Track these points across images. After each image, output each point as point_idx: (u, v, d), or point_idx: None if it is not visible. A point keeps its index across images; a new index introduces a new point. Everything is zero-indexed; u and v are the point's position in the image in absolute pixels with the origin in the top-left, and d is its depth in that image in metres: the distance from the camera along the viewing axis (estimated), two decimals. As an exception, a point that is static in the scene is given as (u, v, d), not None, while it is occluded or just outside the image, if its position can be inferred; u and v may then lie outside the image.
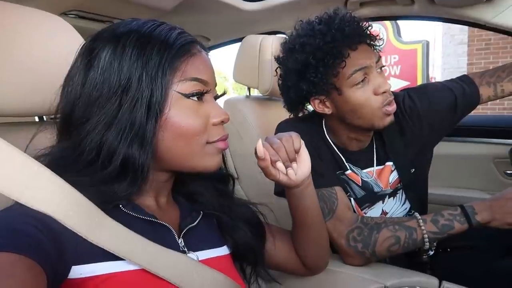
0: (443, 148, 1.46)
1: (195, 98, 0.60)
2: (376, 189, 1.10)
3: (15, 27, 0.69)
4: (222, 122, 0.64)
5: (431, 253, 1.18)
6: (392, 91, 1.01)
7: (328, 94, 0.99)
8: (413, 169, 1.11)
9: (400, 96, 1.12)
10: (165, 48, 0.58)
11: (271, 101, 1.47)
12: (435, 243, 1.07)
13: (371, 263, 0.98)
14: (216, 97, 0.68)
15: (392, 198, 1.12)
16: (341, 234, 0.96)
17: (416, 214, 0.95)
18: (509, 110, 6.31)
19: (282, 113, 1.44)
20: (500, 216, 0.88)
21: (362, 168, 1.10)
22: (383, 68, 1.00)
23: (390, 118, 0.99)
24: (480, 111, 6.70)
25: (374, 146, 1.11)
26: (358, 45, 0.94)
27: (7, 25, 0.68)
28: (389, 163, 1.11)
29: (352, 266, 0.98)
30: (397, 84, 6.60)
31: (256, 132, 1.33)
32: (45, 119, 0.81)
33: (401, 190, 1.13)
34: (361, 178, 1.10)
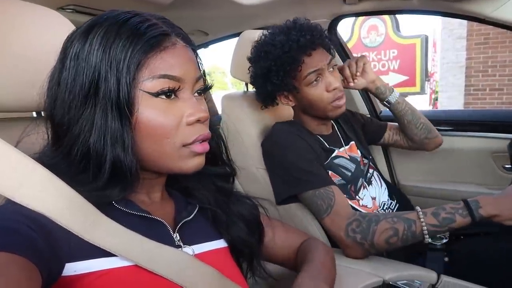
0: (442, 142, 1.47)
1: (163, 96, 0.56)
2: (358, 159, 1.28)
3: (12, 22, 0.69)
4: (198, 121, 0.59)
5: (445, 240, 1.19)
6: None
7: (289, 91, 1.20)
8: (366, 149, 1.40)
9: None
10: (131, 43, 0.54)
11: (269, 96, 1.46)
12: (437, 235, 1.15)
13: (370, 254, 0.99)
14: (205, 90, 0.64)
15: (370, 185, 1.27)
16: (340, 227, 0.99)
17: (417, 207, 0.96)
18: (508, 105, 6.32)
19: (279, 109, 1.44)
20: (506, 212, 0.89)
21: (339, 148, 1.27)
22: (336, 67, 1.20)
23: (341, 110, 1.20)
24: (479, 105, 6.72)
25: (337, 130, 1.35)
26: (312, 51, 1.13)
27: (4, 19, 0.68)
28: (352, 142, 1.34)
29: (352, 258, 0.99)
30: (395, 79, 6.62)
31: (254, 127, 1.32)
32: (43, 114, 0.80)
33: (374, 173, 1.31)
34: (348, 154, 1.27)
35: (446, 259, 1.08)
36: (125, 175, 0.55)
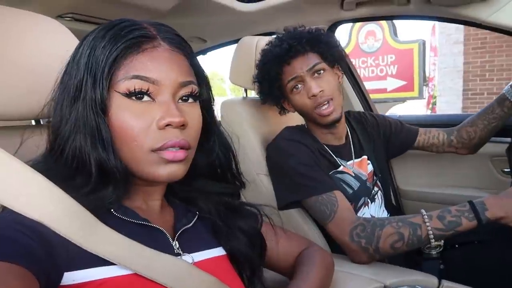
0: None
1: (134, 98, 0.55)
2: (363, 178, 1.23)
3: (11, 30, 0.69)
4: (169, 126, 0.56)
5: (439, 249, 1.19)
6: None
7: (285, 98, 1.23)
8: (380, 164, 1.34)
9: (366, 114, 1.43)
10: (111, 45, 0.55)
11: (268, 102, 1.47)
12: (442, 240, 1.13)
13: (375, 259, 0.98)
14: (192, 97, 0.61)
15: (373, 203, 1.23)
16: (344, 232, 0.98)
17: (422, 210, 0.95)
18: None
19: (277, 114, 1.44)
20: None
21: (347, 161, 1.24)
22: (322, 72, 1.14)
23: (329, 118, 1.14)
24: (477, 110, 6.77)
25: (351, 141, 1.29)
26: (290, 60, 1.14)
27: (3, 28, 0.68)
28: (365, 157, 1.29)
29: (358, 263, 0.98)
30: (393, 84, 6.63)
31: (254, 133, 1.32)
32: (42, 122, 0.80)
33: (378, 193, 1.27)
34: (352, 171, 1.22)
35: (442, 267, 1.07)
36: (113, 174, 0.55)
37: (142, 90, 0.55)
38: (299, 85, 1.15)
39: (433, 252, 1.18)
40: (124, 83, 0.55)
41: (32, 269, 0.42)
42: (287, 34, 1.18)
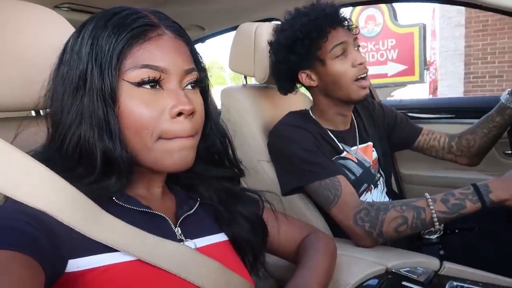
0: (442, 131, 1.46)
1: (147, 86, 0.56)
2: (366, 164, 1.22)
3: (8, 21, 0.69)
4: (181, 114, 0.57)
5: (439, 234, 1.20)
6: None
7: (312, 67, 1.16)
8: (384, 151, 1.33)
9: (374, 102, 1.42)
10: (116, 34, 0.55)
11: (268, 89, 1.46)
12: (442, 225, 1.15)
13: (379, 243, 0.99)
14: (195, 84, 0.62)
15: (375, 189, 1.23)
16: (348, 216, 0.99)
17: (426, 194, 0.95)
18: (508, 91, 6.29)
19: (279, 102, 1.44)
20: None
21: (351, 146, 1.23)
22: (359, 48, 1.16)
23: (365, 92, 1.14)
24: (479, 93, 6.69)
25: (356, 126, 1.28)
26: (337, 25, 1.12)
27: (0, 19, 0.68)
28: (370, 143, 1.29)
29: (362, 247, 0.99)
30: (394, 68, 6.58)
31: (254, 120, 1.32)
32: (41, 113, 0.80)
33: (380, 179, 1.27)
34: (356, 157, 1.21)
35: (442, 252, 1.08)
36: (118, 165, 0.56)
37: (151, 78, 0.56)
38: (345, 53, 1.12)
39: (433, 237, 1.20)
40: (134, 72, 0.55)
41: (36, 258, 0.43)
42: (326, 2, 1.15)
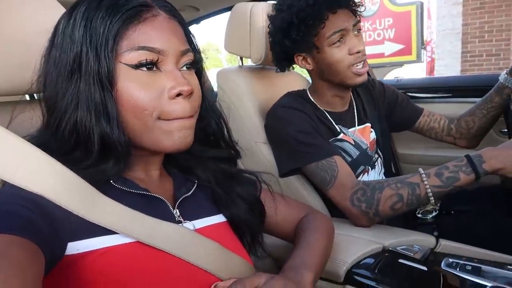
0: (438, 109, 1.47)
1: (144, 68, 0.55)
2: (363, 146, 1.22)
3: (1, 4, 0.67)
4: (180, 95, 0.57)
5: (435, 213, 1.21)
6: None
7: (308, 51, 1.13)
8: (383, 132, 1.32)
9: (375, 81, 1.41)
10: (110, 16, 0.54)
11: (264, 70, 1.45)
12: (438, 204, 1.21)
13: (376, 222, 1.00)
14: (191, 65, 0.62)
15: (372, 170, 1.23)
16: (345, 197, 0.99)
17: (420, 169, 0.95)
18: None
19: (275, 82, 1.43)
20: (510, 165, 0.87)
21: (348, 128, 1.22)
22: (361, 31, 1.13)
23: (361, 78, 1.12)
24: (476, 72, 6.68)
25: (355, 107, 1.27)
26: (337, 9, 1.06)
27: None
28: (368, 124, 1.27)
29: (359, 227, 1.00)
30: (391, 48, 6.53)
31: (251, 102, 1.32)
32: (35, 97, 0.79)
33: (378, 160, 1.27)
34: (353, 138, 1.20)
35: (436, 233, 1.09)
36: (115, 148, 0.55)
37: (149, 60, 0.55)
38: (343, 39, 1.09)
39: (428, 217, 1.21)
40: (131, 54, 0.55)
41: (35, 241, 0.43)
42: None
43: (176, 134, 0.58)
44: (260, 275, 0.57)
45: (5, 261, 0.38)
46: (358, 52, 1.09)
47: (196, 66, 0.65)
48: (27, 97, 0.78)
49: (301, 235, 0.77)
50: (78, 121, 0.54)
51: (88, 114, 0.54)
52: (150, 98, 0.55)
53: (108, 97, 0.54)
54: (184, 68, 0.60)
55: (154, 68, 0.57)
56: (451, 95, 1.73)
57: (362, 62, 1.11)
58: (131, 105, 0.55)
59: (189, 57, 0.61)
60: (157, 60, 0.56)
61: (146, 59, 0.55)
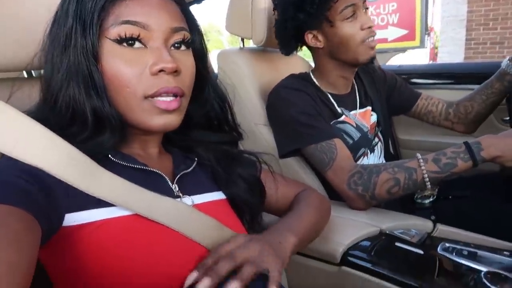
0: (440, 96, 1.46)
1: (126, 44, 0.55)
2: (364, 129, 1.22)
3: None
4: (162, 71, 0.56)
5: (432, 199, 1.22)
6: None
7: (320, 27, 1.13)
8: (383, 115, 1.32)
9: (374, 66, 1.40)
10: None
11: (266, 52, 1.44)
12: (436, 189, 1.22)
13: (372, 205, 1.01)
14: (185, 44, 0.60)
15: (372, 153, 1.24)
16: (342, 180, 1.00)
17: (418, 154, 0.95)
18: (508, 58, 6.23)
19: (277, 65, 1.42)
20: (509, 153, 0.87)
21: (350, 111, 1.22)
22: (368, 9, 1.15)
23: (372, 53, 1.14)
24: (480, 60, 6.63)
25: (357, 90, 1.27)
26: None
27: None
28: (369, 108, 1.28)
29: (356, 210, 1.00)
30: (395, 33, 6.46)
31: (251, 84, 1.31)
32: (33, 74, 0.79)
33: (378, 144, 1.27)
34: (354, 121, 1.21)
35: (433, 217, 1.09)
36: (109, 122, 0.56)
37: (133, 36, 0.55)
38: (354, 15, 1.09)
39: (426, 201, 1.22)
40: (115, 29, 0.55)
41: (32, 211, 0.43)
42: None
43: (162, 115, 0.57)
44: (237, 236, 0.58)
45: (2, 230, 0.38)
46: (369, 28, 1.10)
47: (193, 46, 0.64)
48: (25, 74, 0.78)
49: (294, 207, 0.78)
50: (72, 96, 0.55)
51: (78, 88, 0.55)
52: (132, 74, 0.55)
53: (94, 70, 0.55)
54: (177, 47, 0.60)
55: (138, 44, 0.56)
56: (453, 81, 1.72)
57: (373, 36, 1.13)
58: (115, 82, 0.55)
59: (181, 35, 0.59)
60: (139, 35, 0.55)
61: (126, 34, 0.54)
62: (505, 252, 0.81)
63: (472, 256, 0.80)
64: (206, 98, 0.69)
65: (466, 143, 0.91)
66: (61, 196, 0.50)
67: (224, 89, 0.74)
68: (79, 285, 0.51)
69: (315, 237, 0.78)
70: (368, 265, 0.81)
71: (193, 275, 0.51)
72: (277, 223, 0.70)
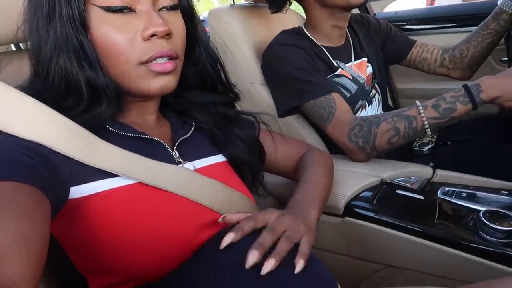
0: (438, 41, 1.43)
1: (115, 10, 0.54)
2: (361, 81, 1.21)
3: None
4: (154, 36, 0.55)
5: (431, 145, 1.22)
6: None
7: None
8: (380, 66, 1.31)
9: (369, 16, 1.38)
10: None
11: (258, 9, 1.40)
12: (435, 136, 1.22)
13: (373, 157, 1.01)
14: (173, 6, 0.59)
15: (370, 106, 1.23)
16: (342, 133, 1.00)
17: (417, 101, 0.94)
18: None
19: (270, 21, 1.38)
20: (508, 93, 0.86)
21: (345, 63, 1.20)
22: None
23: None
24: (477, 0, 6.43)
25: (351, 42, 1.25)
26: None
27: None
28: (364, 59, 1.26)
29: (357, 162, 1.01)
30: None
31: (245, 42, 1.28)
32: (22, 47, 0.77)
33: (376, 95, 1.26)
34: (350, 73, 1.19)
35: (432, 164, 1.10)
36: (105, 92, 0.55)
37: (123, 3, 0.54)
38: None
39: (425, 148, 1.23)
40: None
41: (38, 186, 0.43)
42: None
43: (158, 78, 0.57)
44: (271, 211, 0.57)
45: (13, 205, 0.39)
46: None
47: (182, 5, 0.62)
48: (13, 47, 0.76)
49: (302, 173, 0.78)
50: (63, 68, 0.54)
51: (69, 60, 0.54)
52: (124, 41, 0.54)
53: (84, 40, 0.53)
54: (166, 8, 0.58)
55: (127, 10, 0.55)
56: (450, 25, 1.68)
57: None
58: (107, 50, 0.54)
59: None
60: (129, 4, 0.54)
61: (116, 4, 0.53)
62: (503, 192, 0.83)
63: (471, 197, 0.82)
64: (198, 57, 0.68)
65: (465, 86, 0.90)
66: (65, 170, 0.50)
67: (215, 49, 0.72)
68: (91, 252, 0.53)
69: (327, 199, 0.79)
70: (371, 214, 0.84)
71: (231, 236, 0.50)
72: (294, 196, 0.70)
